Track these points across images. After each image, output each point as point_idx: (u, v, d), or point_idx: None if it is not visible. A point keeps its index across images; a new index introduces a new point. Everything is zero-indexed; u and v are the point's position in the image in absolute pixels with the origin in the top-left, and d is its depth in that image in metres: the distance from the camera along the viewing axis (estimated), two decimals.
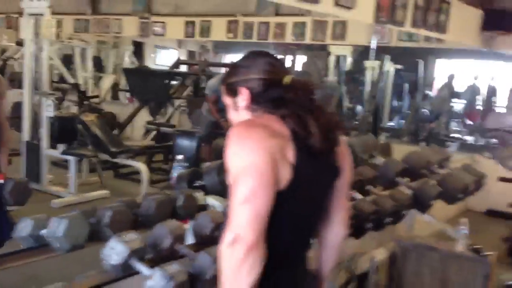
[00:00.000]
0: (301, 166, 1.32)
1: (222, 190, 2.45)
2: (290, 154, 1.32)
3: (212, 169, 2.60)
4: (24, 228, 1.97)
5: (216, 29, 9.34)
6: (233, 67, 1.50)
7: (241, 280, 1.23)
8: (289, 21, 8.51)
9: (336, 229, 1.58)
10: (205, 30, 9.47)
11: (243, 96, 1.43)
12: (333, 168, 1.47)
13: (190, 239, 2.20)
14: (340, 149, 1.48)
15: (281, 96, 1.39)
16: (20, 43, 6.70)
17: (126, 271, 1.82)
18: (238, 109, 1.45)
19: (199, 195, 2.55)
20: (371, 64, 7.72)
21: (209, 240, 2.09)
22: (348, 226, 1.62)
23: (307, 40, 8.33)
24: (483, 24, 6.02)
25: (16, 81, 6.68)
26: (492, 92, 8.12)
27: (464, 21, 5.83)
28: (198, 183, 2.67)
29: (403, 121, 7.21)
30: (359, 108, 7.52)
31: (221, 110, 4.80)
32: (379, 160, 3.98)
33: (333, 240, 1.59)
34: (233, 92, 1.46)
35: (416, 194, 3.40)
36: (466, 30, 5.96)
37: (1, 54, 9.58)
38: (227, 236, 1.24)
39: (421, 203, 3.39)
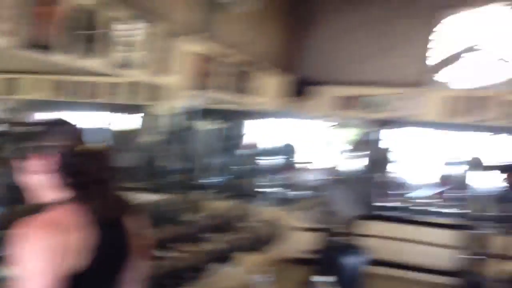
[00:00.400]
0: (97, 246, 1.38)
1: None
2: (85, 241, 1.36)
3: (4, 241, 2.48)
4: None
5: (24, 87, 8.85)
6: (37, 131, 1.49)
7: None
8: (102, 81, 8.51)
9: None
10: (11, 88, 8.89)
11: (48, 160, 1.43)
12: (125, 234, 1.53)
13: None
14: (132, 216, 1.56)
15: (73, 165, 1.41)
16: None
17: None
18: (36, 173, 1.45)
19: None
20: (192, 124, 8.05)
21: None
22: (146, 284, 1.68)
23: (123, 100, 8.43)
24: (289, 91, 7.02)
25: None
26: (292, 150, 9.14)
27: (275, 87, 6.71)
28: None
29: (224, 178, 7.59)
30: (175, 167, 7.72)
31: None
32: (189, 217, 4.18)
33: None
34: (23, 157, 1.47)
35: (220, 248, 3.64)
36: (276, 96, 6.84)
37: None
38: None
39: (224, 256, 3.63)
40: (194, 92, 6.02)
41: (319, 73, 7.13)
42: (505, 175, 5.18)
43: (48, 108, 10.25)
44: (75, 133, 1.51)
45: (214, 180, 7.62)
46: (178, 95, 7.90)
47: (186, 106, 7.90)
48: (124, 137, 8.54)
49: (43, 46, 3.01)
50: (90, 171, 1.44)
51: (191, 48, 4.56)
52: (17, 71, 8.94)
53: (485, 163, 5.81)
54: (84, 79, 8.63)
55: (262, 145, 8.11)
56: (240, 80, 5.68)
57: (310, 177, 7.48)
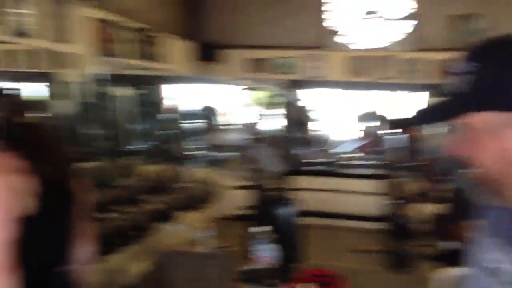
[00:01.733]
0: (43, 195, 1.48)
1: None
2: (32, 186, 1.46)
3: None
4: None
5: None
6: None
7: None
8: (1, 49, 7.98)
9: (83, 249, 1.73)
10: None
11: None
12: (70, 195, 1.66)
13: None
14: (75, 179, 1.68)
15: (18, 133, 1.55)
16: None
17: None
18: None
19: None
20: (110, 91, 7.81)
21: None
22: (94, 243, 1.79)
23: (23, 68, 7.98)
24: (198, 55, 7.06)
25: None
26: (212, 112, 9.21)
27: (181, 53, 6.74)
28: None
29: (150, 144, 7.50)
30: (100, 133, 7.51)
31: None
32: (123, 181, 4.14)
33: (83, 259, 1.74)
34: None
35: (160, 207, 3.67)
36: (184, 61, 6.86)
37: None
38: None
39: (165, 215, 3.67)
40: (99, 59, 5.92)
41: (226, 37, 7.18)
42: (402, 129, 5.57)
43: None
44: (19, 105, 1.67)
45: (140, 146, 7.51)
46: (84, 62, 7.62)
47: (95, 73, 7.64)
48: (34, 106, 8.09)
49: None
50: (29, 138, 1.57)
51: (87, 14, 4.52)
52: None
53: (388, 118, 6.23)
54: None
55: (182, 109, 8.07)
56: (145, 46, 5.71)
57: (233, 138, 7.60)
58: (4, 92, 1.60)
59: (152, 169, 4.68)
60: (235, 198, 4.96)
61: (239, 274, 3.30)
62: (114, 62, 7.07)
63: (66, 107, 7.95)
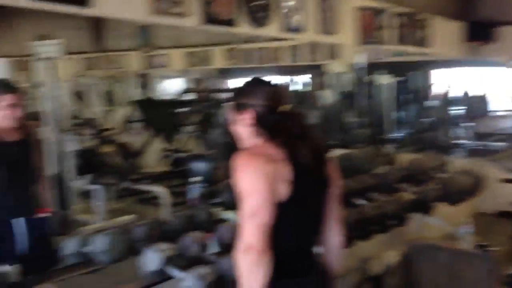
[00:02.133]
0: (297, 181, 1.61)
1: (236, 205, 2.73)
2: (286, 173, 1.59)
3: (227, 188, 2.88)
4: (69, 246, 2.25)
5: (216, 57, 9.71)
6: (241, 90, 1.78)
7: (254, 280, 1.51)
8: (284, 45, 8.92)
9: (333, 233, 1.84)
10: (206, 59, 9.83)
11: (249, 115, 1.70)
12: (323, 181, 1.75)
13: (214, 248, 2.46)
14: (328, 166, 1.76)
15: (277, 122, 1.67)
16: (35, 85, 7.06)
17: (161, 276, 2.09)
18: (244, 125, 1.72)
19: (218, 210, 2.82)
20: (370, 79, 8.02)
21: (230, 248, 2.35)
22: (343, 230, 1.87)
23: (303, 61, 8.75)
24: (468, 36, 6.46)
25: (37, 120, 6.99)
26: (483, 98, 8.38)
27: (447, 34, 6.24)
28: (216, 200, 2.94)
29: (408, 132, 7.44)
30: (361, 121, 7.79)
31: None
32: (382, 169, 4.23)
33: (333, 243, 1.85)
34: (241, 110, 1.73)
35: (418, 198, 3.63)
36: (450, 43, 6.36)
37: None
38: (240, 245, 1.53)
39: (423, 206, 3.62)
40: (362, 48, 5.99)
41: (503, 13, 6.42)
42: None
43: (236, 75, 11.12)
44: (279, 94, 1.75)
45: (396, 133, 7.52)
46: (348, 52, 7.91)
47: (357, 62, 7.87)
48: (303, 97, 8.89)
49: (224, 21, 3.28)
50: (294, 128, 1.69)
51: (354, 3, 4.57)
52: (208, 44, 9.86)
53: None
54: (266, 45, 9.18)
55: (451, 94, 7.68)
56: (408, 31, 5.45)
57: (505, 126, 6.91)
58: (271, 84, 1.80)
59: (407, 157, 4.65)
60: (502, 193, 4.55)
61: (505, 277, 3.07)
62: (376, 50, 7.20)
63: (332, 96, 8.48)
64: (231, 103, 1.78)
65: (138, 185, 5.73)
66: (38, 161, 2.75)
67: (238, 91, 1.79)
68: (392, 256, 3.22)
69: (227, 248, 2.37)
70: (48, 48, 5.83)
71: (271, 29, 3.69)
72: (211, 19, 3.19)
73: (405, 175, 4.05)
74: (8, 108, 2.51)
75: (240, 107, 1.74)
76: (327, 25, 4.19)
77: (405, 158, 4.67)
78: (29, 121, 2.84)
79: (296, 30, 3.90)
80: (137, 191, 6.04)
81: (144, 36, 10.47)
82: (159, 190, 5.50)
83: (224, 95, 8.32)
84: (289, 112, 1.71)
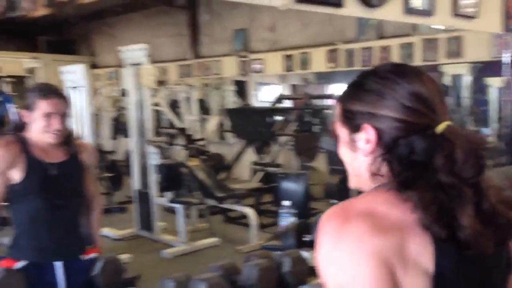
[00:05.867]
0: (444, 272, 0.85)
1: None
2: (423, 254, 0.85)
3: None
4: None
5: (315, 60, 9.06)
6: (357, 87, 0.98)
7: None
8: (394, 43, 7.96)
9: None
10: (305, 62, 9.23)
11: (367, 137, 0.94)
12: (503, 267, 0.94)
13: None
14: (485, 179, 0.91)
15: (427, 153, 0.88)
16: (124, 93, 6.90)
17: None
18: (355, 150, 0.97)
19: (309, 254, 2.14)
20: (495, 81, 6.84)
21: None
22: None
23: (416, 62, 7.67)
24: None
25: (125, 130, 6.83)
26: None
27: None
28: (307, 237, 2.26)
29: None
30: (485, 131, 6.67)
31: None
32: None
33: None
34: (351, 124, 0.97)
35: None
36: None
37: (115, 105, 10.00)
38: None
39: None
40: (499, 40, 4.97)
41: None
42: None
43: (337, 79, 10.35)
44: (434, 100, 0.93)
45: None
46: (481, 46, 6.73)
47: (503, 58, 6.59)
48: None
49: (324, 2, 2.62)
50: (446, 165, 0.86)
51: None
52: (308, 45, 9.23)
53: None
54: (371, 45, 8.29)
55: None
56: None
57: None
58: (420, 75, 1.01)
59: None
60: None
61: None
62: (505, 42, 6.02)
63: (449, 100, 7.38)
64: (337, 108, 1.01)
65: (225, 204, 5.31)
66: (88, 188, 2.24)
67: (352, 87, 1.00)
68: None
69: None
70: (135, 53, 5.58)
71: (388, 12, 2.92)
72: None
73: None
74: (48, 118, 1.99)
75: (352, 119, 0.97)
76: (462, 7, 3.29)
77: None
78: (77, 139, 2.31)
79: (421, 13, 3.04)
80: (224, 210, 5.69)
81: (240, 40, 10.16)
82: (246, 211, 5.06)
83: (325, 102, 7.63)
84: (453, 136, 0.88)
